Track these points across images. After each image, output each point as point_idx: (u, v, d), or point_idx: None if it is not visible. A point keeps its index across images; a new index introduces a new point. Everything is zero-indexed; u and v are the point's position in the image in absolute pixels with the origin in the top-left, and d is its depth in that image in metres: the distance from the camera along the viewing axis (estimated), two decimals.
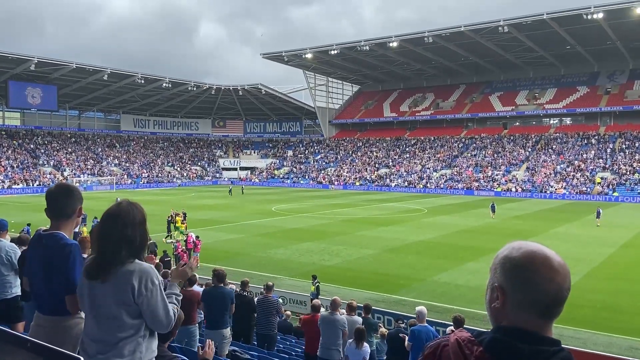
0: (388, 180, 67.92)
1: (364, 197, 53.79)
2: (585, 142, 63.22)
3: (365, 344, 8.10)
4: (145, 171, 75.84)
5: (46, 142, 72.71)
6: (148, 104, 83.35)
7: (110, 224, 2.52)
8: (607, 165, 57.56)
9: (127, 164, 76.23)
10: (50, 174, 64.84)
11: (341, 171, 73.99)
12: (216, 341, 8.12)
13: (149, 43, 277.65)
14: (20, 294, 4.88)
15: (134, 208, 2.58)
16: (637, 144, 59.35)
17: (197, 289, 8.87)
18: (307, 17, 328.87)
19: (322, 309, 9.55)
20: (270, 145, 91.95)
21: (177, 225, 27.25)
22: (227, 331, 8.14)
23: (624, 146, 59.96)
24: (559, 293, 1.28)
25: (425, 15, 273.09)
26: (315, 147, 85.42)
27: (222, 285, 8.65)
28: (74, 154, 72.96)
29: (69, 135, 77.00)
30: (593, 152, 60.74)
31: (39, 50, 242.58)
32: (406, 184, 65.37)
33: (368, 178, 69.90)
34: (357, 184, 68.94)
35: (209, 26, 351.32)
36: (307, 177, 76.05)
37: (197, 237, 22.75)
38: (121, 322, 2.44)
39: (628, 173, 55.19)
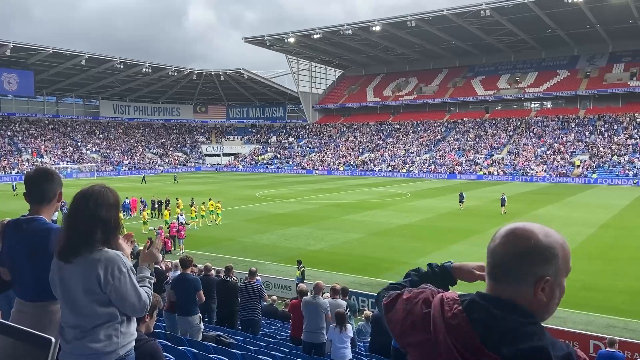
0: (372, 165, 68.13)
1: (348, 182, 53.90)
2: (565, 125, 64.07)
3: (349, 327, 8.16)
4: (126, 158, 74.82)
5: (24, 129, 71.15)
6: (128, 90, 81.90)
7: (83, 203, 2.48)
8: (586, 148, 58.50)
9: (108, 151, 75.10)
10: (28, 161, 63.63)
11: (325, 156, 73.94)
12: (184, 328, 8.08)
13: (138, 27, 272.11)
14: None
15: (108, 190, 2.57)
16: (615, 127, 60.34)
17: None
18: (298, 2, 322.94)
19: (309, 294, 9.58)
20: (254, 130, 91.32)
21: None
22: (195, 318, 8.02)
23: (602, 129, 60.90)
24: (489, 257, 1.41)
25: None
26: (299, 132, 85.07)
27: (188, 272, 8.64)
28: (52, 140, 71.58)
29: (47, 122, 75.44)
30: (573, 135, 61.61)
31: (27, 36, 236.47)
32: (390, 168, 65.66)
33: (352, 163, 70.02)
34: (341, 169, 69.03)
35: (198, 10, 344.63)
36: (291, 162, 75.87)
37: (180, 223, 22.64)
38: (93, 310, 2.42)
39: (607, 155, 56.17)
